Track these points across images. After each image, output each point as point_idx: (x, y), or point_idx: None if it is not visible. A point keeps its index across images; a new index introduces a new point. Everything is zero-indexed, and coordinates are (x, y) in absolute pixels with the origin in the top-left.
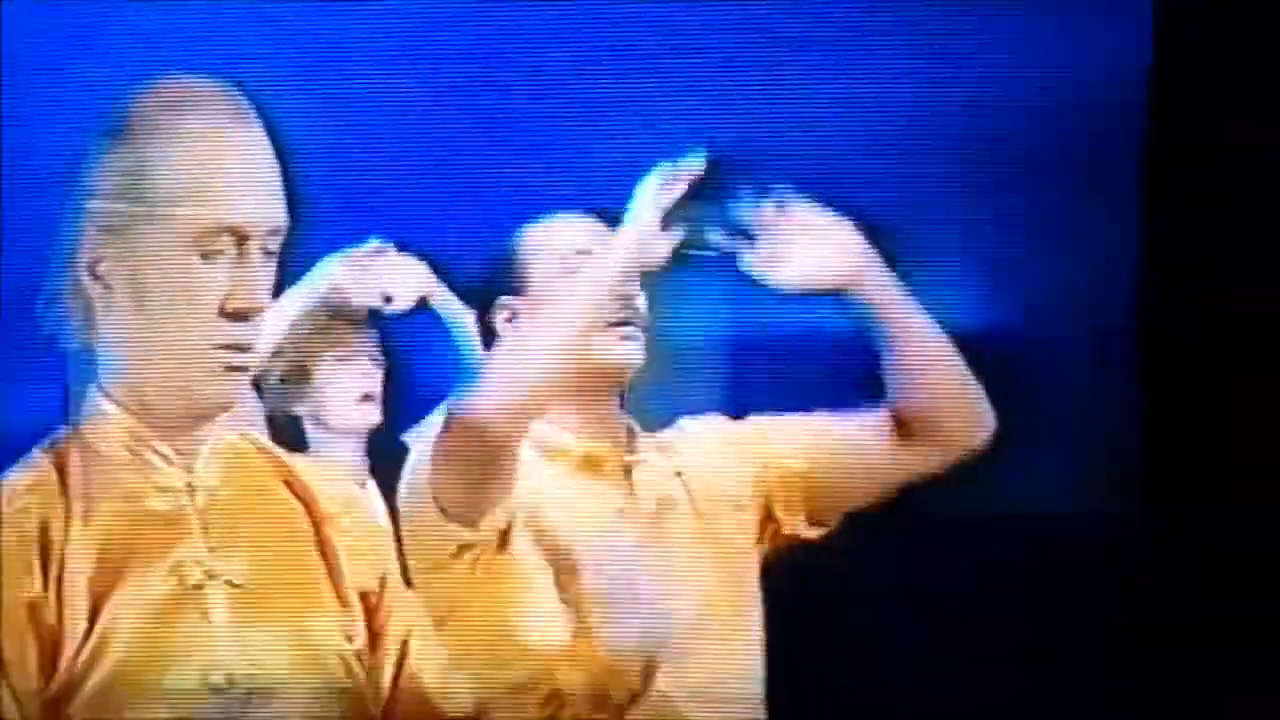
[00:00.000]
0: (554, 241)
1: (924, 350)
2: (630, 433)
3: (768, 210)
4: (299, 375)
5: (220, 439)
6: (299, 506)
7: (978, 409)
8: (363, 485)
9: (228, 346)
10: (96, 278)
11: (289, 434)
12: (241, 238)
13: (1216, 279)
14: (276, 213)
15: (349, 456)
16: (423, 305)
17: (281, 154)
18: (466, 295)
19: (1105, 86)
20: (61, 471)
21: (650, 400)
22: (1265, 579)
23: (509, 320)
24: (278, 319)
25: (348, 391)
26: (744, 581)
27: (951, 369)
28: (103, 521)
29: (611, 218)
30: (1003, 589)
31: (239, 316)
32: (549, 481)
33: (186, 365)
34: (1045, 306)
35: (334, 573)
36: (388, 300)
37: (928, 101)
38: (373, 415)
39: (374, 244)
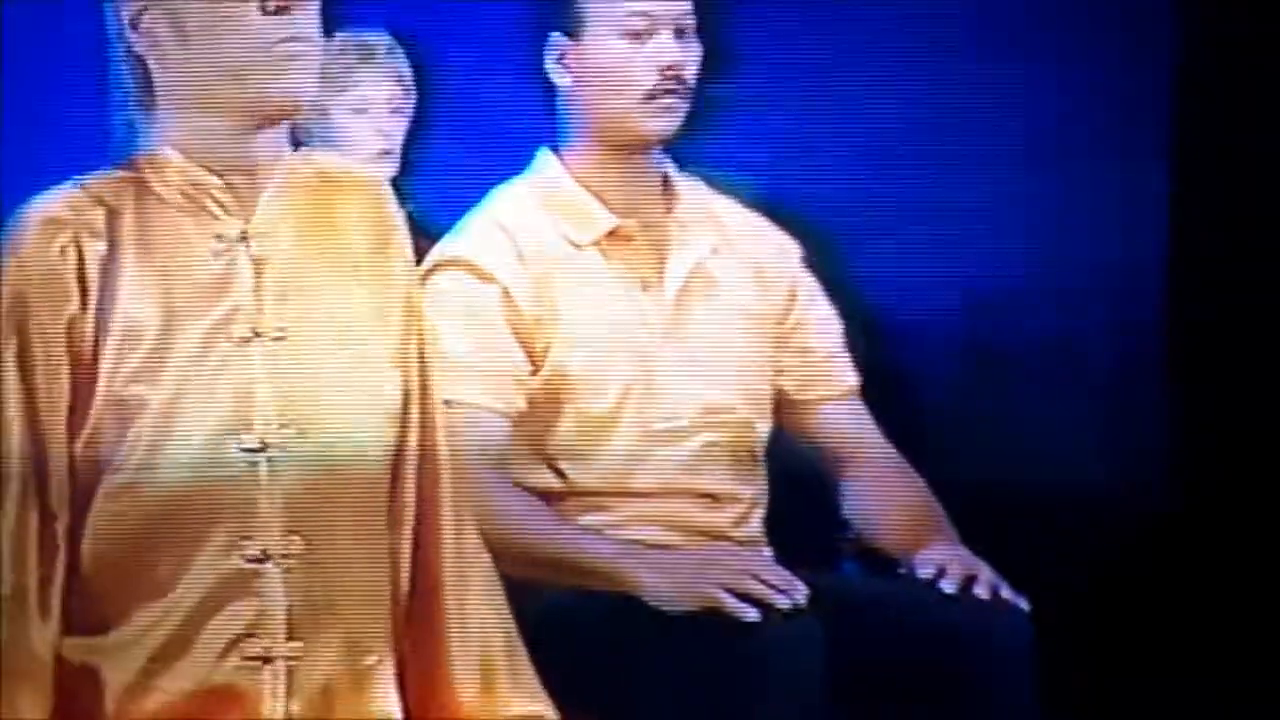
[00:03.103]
0: None
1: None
2: (666, 182)
3: None
4: (317, 114)
5: (282, 180)
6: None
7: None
8: None
9: (282, 40)
10: (141, 33)
11: None
12: None
13: (1244, 275)
14: None
15: None
16: None
17: None
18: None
19: (1135, 77)
20: (107, 207)
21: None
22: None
23: (559, 60)
24: None
25: (365, 144)
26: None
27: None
28: (156, 263)
29: None
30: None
31: (281, 10)
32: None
33: (248, 70)
34: (1072, 297)
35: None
36: None
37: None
38: (391, 169)
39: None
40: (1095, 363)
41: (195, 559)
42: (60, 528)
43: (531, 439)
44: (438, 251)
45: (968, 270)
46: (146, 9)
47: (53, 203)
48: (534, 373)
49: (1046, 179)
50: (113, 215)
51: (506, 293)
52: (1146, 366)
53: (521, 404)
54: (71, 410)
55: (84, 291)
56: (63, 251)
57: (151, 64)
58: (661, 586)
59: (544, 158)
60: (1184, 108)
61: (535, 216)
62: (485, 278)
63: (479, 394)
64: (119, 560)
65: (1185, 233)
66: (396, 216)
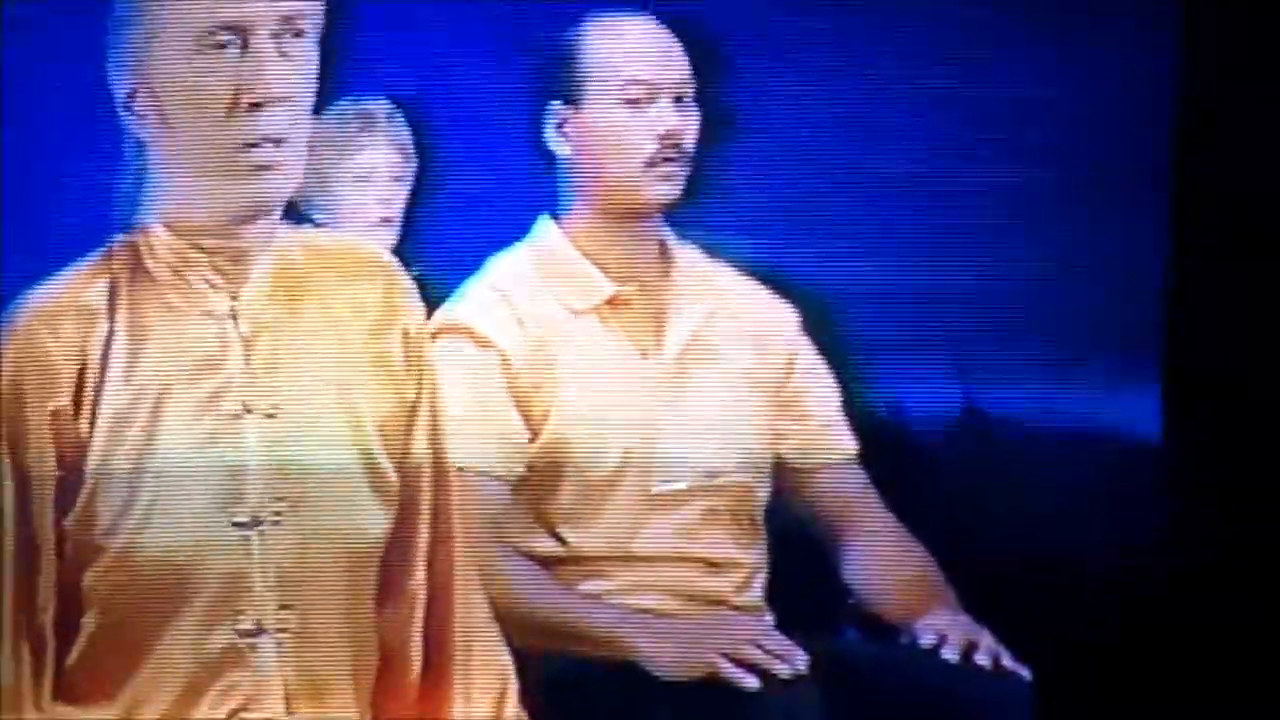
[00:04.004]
0: (616, 53)
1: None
2: (664, 249)
3: None
4: (318, 182)
5: (272, 258)
6: (349, 304)
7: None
8: None
9: (250, 144)
10: (133, 112)
11: None
12: (244, 31)
13: (1241, 338)
14: (284, 2)
15: None
16: None
17: None
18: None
19: (1133, 109)
20: (111, 284)
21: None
22: None
23: (558, 128)
24: None
25: (366, 212)
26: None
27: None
28: (147, 338)
29: (678, 19)
30: None
31: (254, 109)
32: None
33: (219, 169)
34: (1071, 363)
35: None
36: None
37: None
38: (391, 237)
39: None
40: (1094, 429)
41: (190, 632)
42: (48, 619)
43: (531, 504)
44: (437, 317)
45: (965, 336)
46: (138, 90)
47: (53, 292)
48: (533, 439)
49: (1046, 248)
50: (114, 288)
51: (505, 359)
52: (1146, 431)
53: (520, 469)
54: (60, 491)
55: (80, 383)
56: (60, 342)
57: (143, 140)
58: (661, 654)
59: (543, 225)
60: (1184, 173)
61: (534, 283)
62: (484, 344)
63: (478, 459)
64: (114, 633)
65: (1185, 298)
66: (404, 281)
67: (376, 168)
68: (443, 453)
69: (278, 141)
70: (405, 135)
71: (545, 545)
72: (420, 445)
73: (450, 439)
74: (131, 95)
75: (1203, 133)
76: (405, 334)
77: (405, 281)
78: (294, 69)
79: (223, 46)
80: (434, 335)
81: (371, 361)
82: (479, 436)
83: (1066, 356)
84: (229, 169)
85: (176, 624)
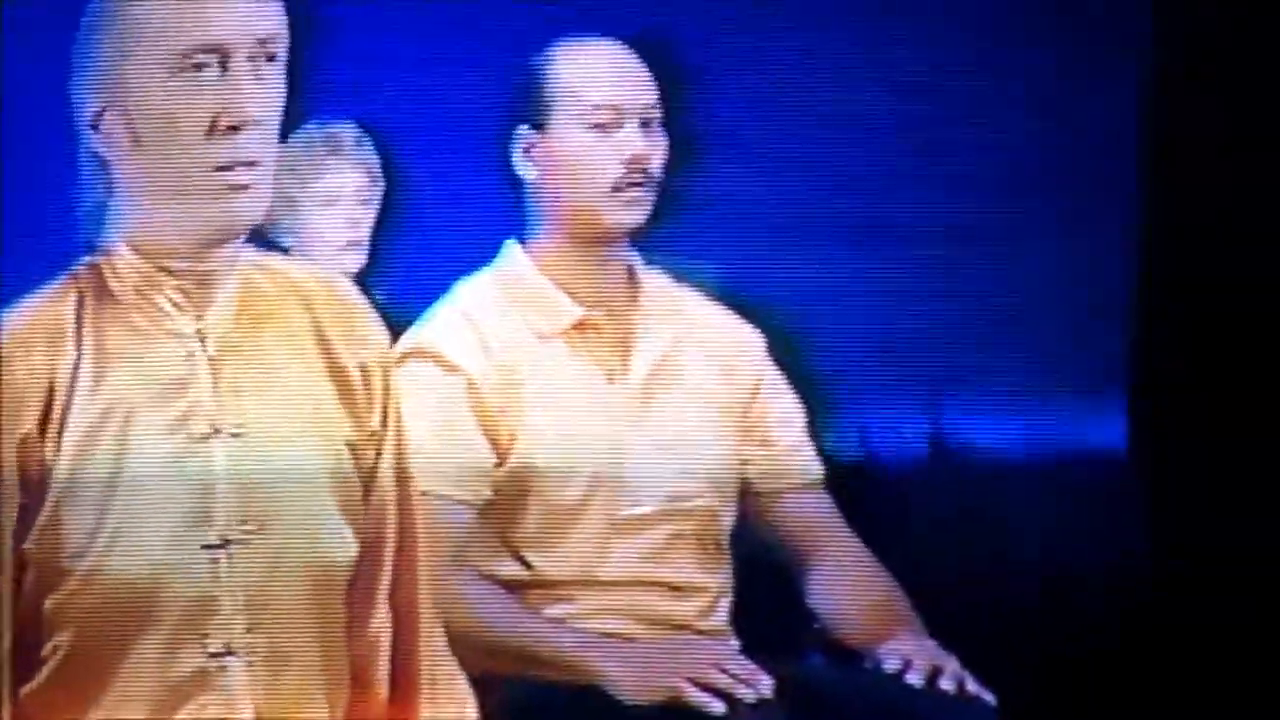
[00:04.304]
0: (582, 78)
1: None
2: (631, 274)
3: None
4: (285, 205)
5: (238, 280)
6: (311, 331)
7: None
8: None
9: (224, 166)
10: (99, 132)
11: None
12: (223, 53)
13: (1212, 365)
14: (262, 23)
15: None
16: None
17: None
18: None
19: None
20: (77, 307)
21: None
22: None
23: (525, 152)
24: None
25: (333, 235)
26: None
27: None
28: (112, 359)
29: (646, 44)
30: None
31: (231, 130)
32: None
33: (191, 192)
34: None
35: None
36: None
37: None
38: (358, 260)
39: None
40: (1065, 454)
41: (159, 654)
42: (4, 648)
43: (497, 529)
44: (404, 341)
45: (933, 361)
46: (106, 110)
47: (19, 317)
48: (499, 463)
49: (1015, 272)
50: (80, 311)
51: (472, 383)
52: (1118, 455)
53: (487, 494)
54: (23, 515)
55: (46, 407)
56: (27, 367)
57: (109, 160)
58: (626, 678)
59: (510, 249)
60: (1150, 201)
61: (501, 307)
62: (451, 368)
63: (444, 484)
64: (81, 656)
65: (1154, 330)
66: (360, 306)
67: (343, 191)
68: (407, 482)
69: (251, 164)
70: (372, 159)
71: (510, 569)
72: (385, 475)
73: (416, 464)
74: (99, 114)
75: (1168, 159)
76: (363, 365)
77: (365, 310)
78: (268, 92)
79: (200, 68)
80: (400, 359)
81: (335, 388)
82: (445, 461)
83: (1034, 383)
84: (202, 191)
85: (144, 646)
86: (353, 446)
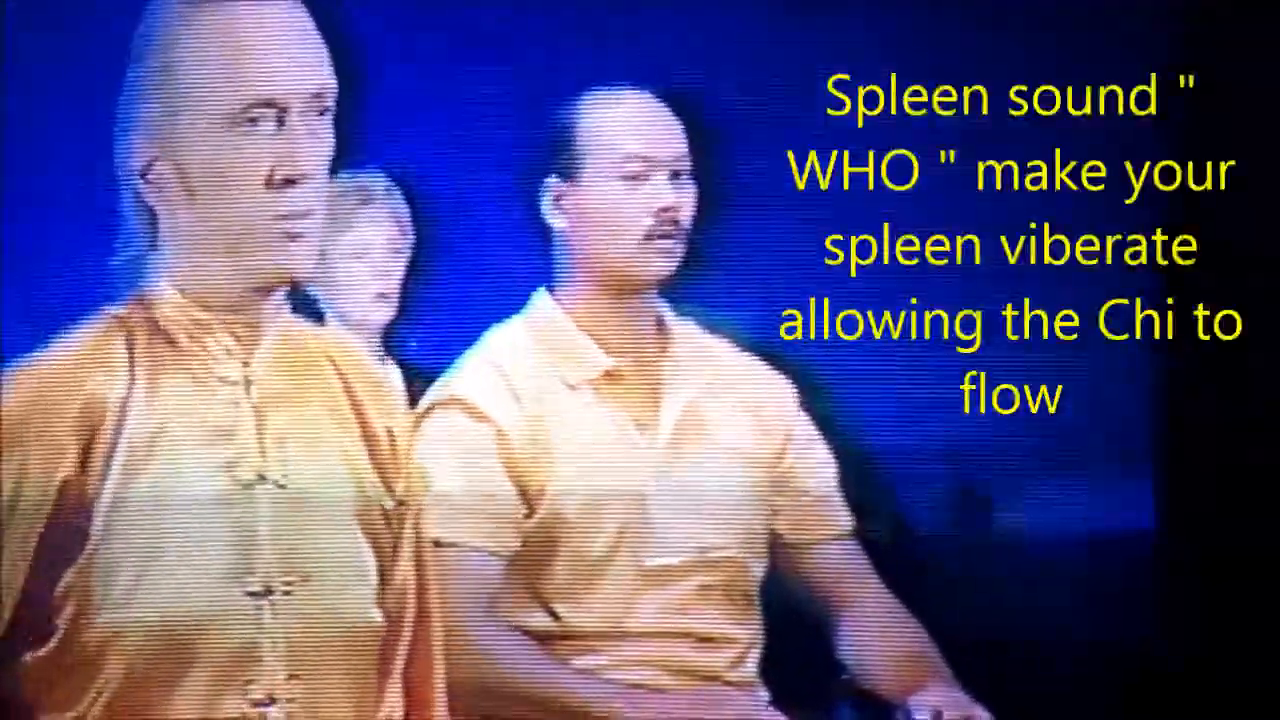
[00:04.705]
0: (613, 129)
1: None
2: (660, 323)
3: None
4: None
5: (279, 331)
6: (343, 390)
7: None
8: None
9: (283, 216)
10: (148, 182)
11: (306, 312)
12: (280, 109)
13: (1239, 417)
14: (315, 77)
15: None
16: None
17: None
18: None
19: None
20: (128, 345)
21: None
22: None
23: (555, 201)
24: None
25: (363, 286)
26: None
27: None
28: (162, 403)
29: (674, 96)
30: None
31: (287, 184)
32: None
33: (245, 242)
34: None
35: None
36: None
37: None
38: (386, 312)
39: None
40: (1089, 507)
41: (203, 697)
42: None
43: (526, 580)
44: (434, 391)
45: (959, 415)
46: (157, 160)
47: (67, 354)
48: (529, 514)
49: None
50: (132, 352)
51: (501, 433)
52: (1139, 512)
53: (515, 544)
54: (62, 553)
55: (89, 444)
56: (75, 405)
57: (158, 210)
58: None
59: (540, 298)
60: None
61: (531, 357)
62: (480, 418)
63: (472, 535)
64: (128, 692)
65: (1179, 377)
66: (380, 373)
67: (373, 243)
68: (425, 563)
69: (304, 215)
70: (403, 210)
71: (540, 621)
72: (405, 553)
73: (446, 514)
74: (149, 165)
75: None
76: (389, 429)
77: (384, 378)
78: (320, 146)
79: (256, 121)
80: (430, 409)
81: (367, 448)
82: (474, 512)
83: (1067, 458)
84: (257, 241)
85: (188, 689)
86: (384, 511)
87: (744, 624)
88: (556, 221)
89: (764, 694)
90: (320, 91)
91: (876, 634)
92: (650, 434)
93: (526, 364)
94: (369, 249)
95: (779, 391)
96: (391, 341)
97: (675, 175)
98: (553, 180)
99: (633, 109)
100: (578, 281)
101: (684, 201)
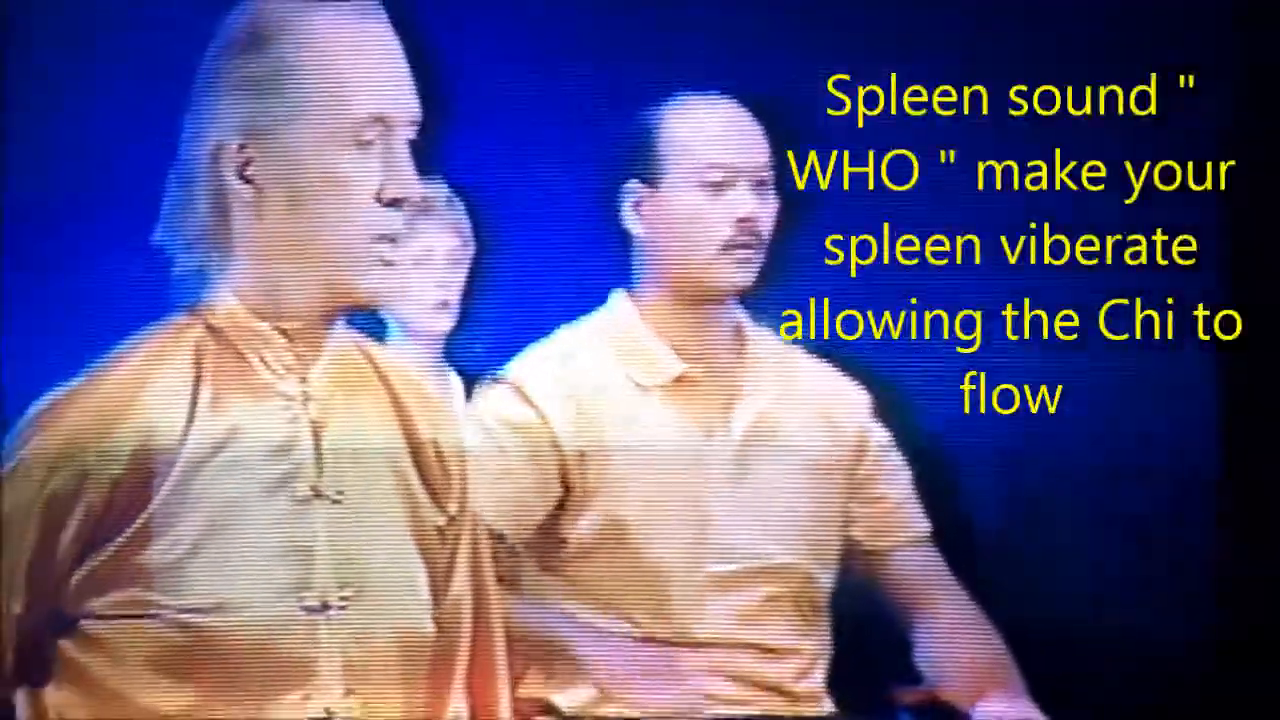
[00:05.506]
0: (696, 136)
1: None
2: (738, 331)
3: None
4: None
5: (337, 346)
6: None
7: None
8: (445, 382)
9: (383, 237)
10: (247, 181)
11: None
12: (388, 127)
13: None
14: (414, 102)
15: (423, 357)
16: None
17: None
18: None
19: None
20: (195, 357)
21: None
22: None
23: (634, 207)
24: None
25: (424, 296)
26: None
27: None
28: (225, 416)
29: (757, 102)
30: None
31: (394, 204)
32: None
33: (341, 259)
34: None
35: (430, 490)
36: None
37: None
38: (448, 322)
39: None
40: (1154, 507)
41: (258, 712)
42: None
43: (599, 584)
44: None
45: (959, 414)
46: (256, 161)
47: (136, 360)
48: (559, 508)
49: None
50: (200, 359)
51: (544, 420)
52: (1197, 511)
53: (527, 534)
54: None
55: (148, 450)
56: (136, 414)
57: (239, 210)
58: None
59: (618, 299)
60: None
61: (600, 354)
62: (526, 401)
63: (488, 512)
64: (175, 697)
65: (1235, 376)
66: (433, 391)
67: (434, 253)
68: (483, 573)
69: (399, 239)
70: (463, 220)
71: (621, 628)
72: (461, 567)
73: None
74: (245, 165)
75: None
76: (437, 443)
77: (438, 395)
78: (414, 168)
79: (370, 137)
80: (486, 387)
81: (417, 463)
82: (489, 485)
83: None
84: (353, 259)
85: (249, 706)
86: (436, 526)
87: (811, 635)
88: (635, 227)
89: (828, 704)
90: (414, 119)
91: (955, 639)
92: (720, 440)
93: (594, 361)
94: (430, 258)
95: (854, 400)
96: (453, 350)
97: (758, 184)
98: (633, 185)
99: (717, 117)
100: (655, 287)
101: (765, 212)
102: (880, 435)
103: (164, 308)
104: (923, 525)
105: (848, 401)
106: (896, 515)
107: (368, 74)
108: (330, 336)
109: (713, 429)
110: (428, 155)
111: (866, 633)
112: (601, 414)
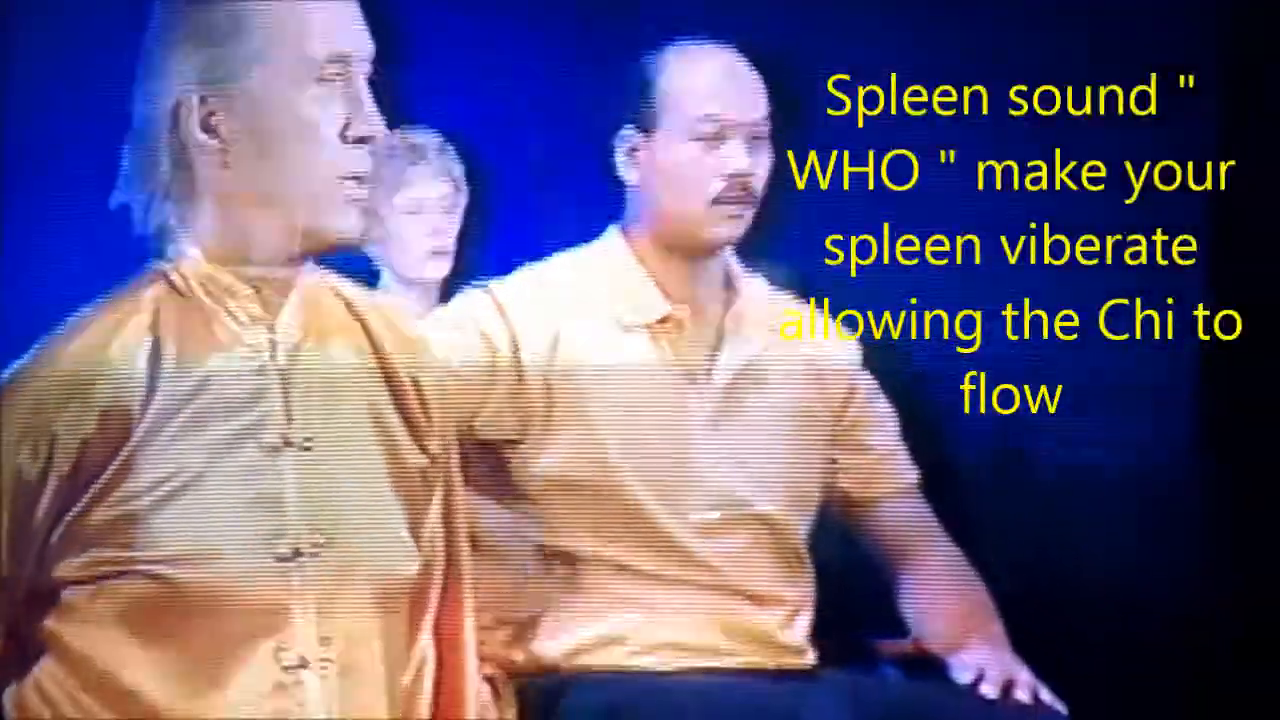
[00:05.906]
0: (693, 86)
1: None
2: (729, 277)
3: None
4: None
5: (305, 291)
6: (373, 358)
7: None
8: None
9: (351, 177)
10: (211, 131)
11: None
12: (346, 64)
13: None
14: (368, 39)
15: (418, 305)
16: None
17: None
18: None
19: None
20: (154, 314)
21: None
22: None
23: (629, 154)
24: None
25: (417, 244)
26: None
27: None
28: (189, 370)
29: (756, 49)
30: None
31: (360, 142)
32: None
33: (306, 201)
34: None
35: (413, 432)
36: None
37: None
38: (442, 269)
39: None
40: (1139, 465)
41: (234, 663)
42: None
43: (587, 516)
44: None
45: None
46: (218, 110)
47: (94, 323)
48: (520, 432)
49: (1094, 287)
50: (159, 319)
51: (514, 337)
52: (1188, 469)
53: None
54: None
55: (113, 408)
56: (100, 372)
57: (203, 162)
58: None
59: (612, 235)
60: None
61: (587, 287)
62: (502, 316)
63: None
64: (155, 656)
65: (1235, 376)
66: (407, 327)
67: (427, 200)
68: (456, 518)
69: (366, 177)
70: (456, 167)
71: (611, 552)
72: (435, 509)
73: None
74: (208, 117)
75: None
76: (416, 381)
77: (420, 336)
78: (376, 105)
79: (330, 76)
80: (471, 288)
81: (395, 403)
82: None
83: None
84: (319, 200)
85: (222, 655)
86: (419, 467)
87: (794, 584)
88: (628, 173)
89: (812, 656)
90: (370, 56)
91: (938, 588)
92: (703, 384)
93: (579, 293)
94: (422, 206)
95: (842, 347)
96: (449, 298)
97: (752, 140)
98: (628, 131)
99: (716, 67)
100: (647, 234)
101: (758, 167)
102: (869, 384)
103: None
104: (910, 474)
105: (836, 349)
106: (883, 464)
107: (321, 13)
108: (299, 281)
109: (695, 373)
110: (423, 100)
111: (849, 584)
112: (577, 347)
